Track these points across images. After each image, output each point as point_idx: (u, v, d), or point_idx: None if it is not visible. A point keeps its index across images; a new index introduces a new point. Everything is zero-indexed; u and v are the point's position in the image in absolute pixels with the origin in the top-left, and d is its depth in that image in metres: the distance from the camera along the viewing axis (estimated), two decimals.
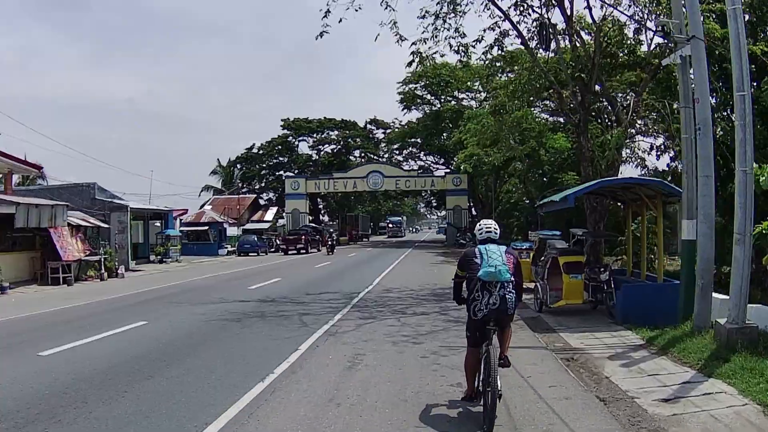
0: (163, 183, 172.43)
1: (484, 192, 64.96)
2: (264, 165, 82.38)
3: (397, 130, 71.98)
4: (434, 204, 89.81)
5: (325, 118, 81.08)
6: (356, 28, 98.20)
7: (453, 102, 61.76)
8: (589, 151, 20.40)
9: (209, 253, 53.33)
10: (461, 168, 46.14)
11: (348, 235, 76.92)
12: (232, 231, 61.32)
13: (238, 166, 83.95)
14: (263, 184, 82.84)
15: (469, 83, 59.31)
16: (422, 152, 73.94)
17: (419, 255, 44.77)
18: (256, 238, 53.12)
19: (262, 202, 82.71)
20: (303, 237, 50.29)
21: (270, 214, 77.12)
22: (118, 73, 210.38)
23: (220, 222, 56.69)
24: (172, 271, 32.78)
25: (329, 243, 49.97)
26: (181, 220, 56.26)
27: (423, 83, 63.44)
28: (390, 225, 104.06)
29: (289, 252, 50.02)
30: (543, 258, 16.29)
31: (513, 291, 6.55)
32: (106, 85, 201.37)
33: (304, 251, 50.10)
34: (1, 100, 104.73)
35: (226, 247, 55.16)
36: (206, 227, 56.17)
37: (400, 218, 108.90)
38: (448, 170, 66.83)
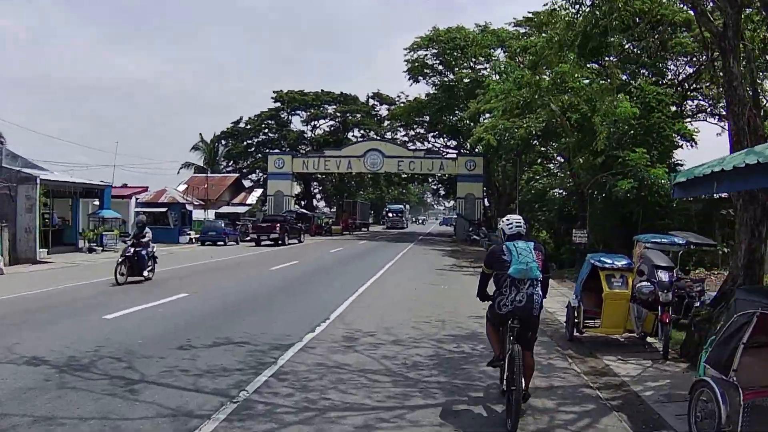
0: (139, 158, 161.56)
1: (502, 180, 55.41)
2: (252, 142, 73.01)
3: (402, 105, 61.90)
4: (442, 192, 79.50)
5: (322, 91, 72.19)
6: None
7: (468, 71, 51.67)
8: (739, 83, 10.64)
9: (168, 239, 44.26)
10: (478, 147, 36.48)
11: (343, 223, 67.37)
12: (205, 214, 51.83)
13: (223, 142, 74.79)
14: (249, 163, 73.40)
15: (489, 50, 49.45)
16: (431, 133, 64.25)
17: (421, 254, 35.30)
18: (223, 224, 43.93)
19: (248, 183, 73.81)
20: (278, 225, 40.70)
21: (254, 197, 68.32)
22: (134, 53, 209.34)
23: (182, 203, 47.03)
24: (75, 268, 23.53)
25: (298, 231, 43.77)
26: (137, 199, 47.41)
27: (434, 51, 53.62)
28: (389, 214, 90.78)
29: (262, 242, 40.62)
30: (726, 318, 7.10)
31: (540, 291, 6.43)
32: (123, 65, 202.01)
33: (281, 242, 40.60)
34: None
35: (189, 234, 45.75)
36: (165, 209, 46.67)
37: (402, 207, 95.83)
38: (460, 152, 57.22)
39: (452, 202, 75.49)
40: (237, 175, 69.30)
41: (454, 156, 55.48)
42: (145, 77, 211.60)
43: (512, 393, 6.00)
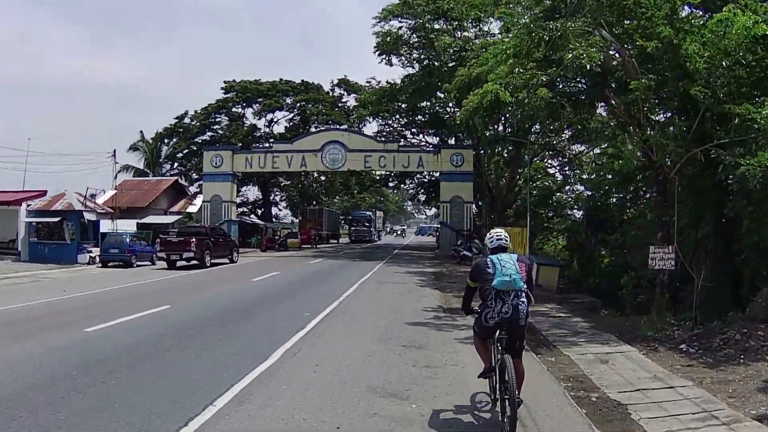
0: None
1: (495, 180, 44.56)
2: (198, 140, 61.57)
3: (370, 89, 50.58)
4: (421, 197, 66.14)
5: (281, 80, 60.84)
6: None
7: (453, 39, 40.49)
8: None
9: (64, 258, 34.33)
10: (472, 120, 25.56)
11: (303, 235, 55.99)
12: (113, 226, 40.30)
13: (167, 141, 63.41)
14: (193, 164, 61.75)
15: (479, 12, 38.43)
16: (408, 129, 53.26)
17: (389, 282, 24.07)
18: (128, 239, 32.60)
19: (193, 189, 62.33)
20: (194, 240, 29.33)
21: (198, 204, 56.84)
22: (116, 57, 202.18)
23: (79, 211, 35.63)
24: None
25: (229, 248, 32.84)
26: (29, 206, 36.49)
27: (409, 21, 42.56)
28: (353, 224, 72.70)
29: (177, 263, 29.61)
30: None
31: (525, 300, 6.59)
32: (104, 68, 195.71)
33: (198, 262, 29.47)
34: None
35: (90, 252, 34.45)
36: (58, 219, 35.41)
37: (369, 214, 76.12)
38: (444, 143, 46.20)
39: (434, 210, 64.00)
40: (174, 178, 57.70)
41: (436, 148, 44.22)
42: (127, 79, 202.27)
43: (506, 401, 6.29)
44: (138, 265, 31.59)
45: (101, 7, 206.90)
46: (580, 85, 18.46)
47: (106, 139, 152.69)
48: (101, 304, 16.29)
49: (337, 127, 49.51)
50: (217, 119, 61.47)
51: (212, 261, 30.95)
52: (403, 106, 48.46)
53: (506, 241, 6.94)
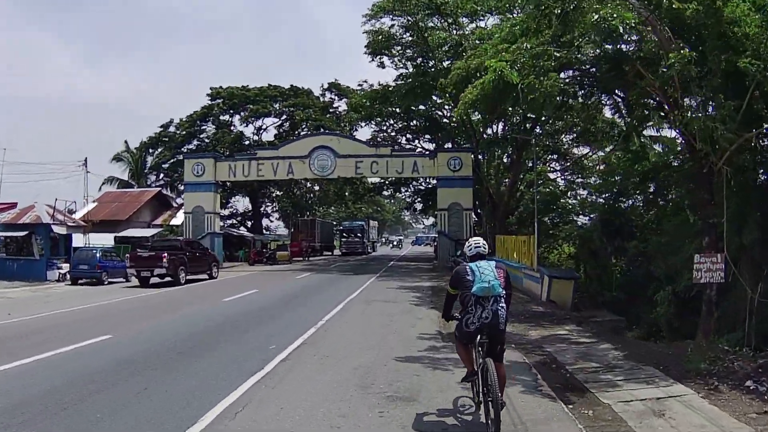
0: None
1: (496, 186, 41.93)
2: (184, 149, 58.79)
3: (362, 93, 47.93)
4: (418, 206, 62.42)
5: (269, 85, 58.46)
6: None
7: (448, 34, 37.83)
8: None
9: (32, 274, 31.84)
10: (470, 120, 22.98)
11: (294, 247, 53.25)
12: (85, 240, 37.50)
13: (152, 151, 60.87)
14: (179, 175, 58.96)
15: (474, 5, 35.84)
16: (402, 135, 50.58)
17: (381, 301, 21.34)
18: (98, 255, 29.90)
19: (179, 200, 59.48)
20: (166, 255, 26.65)
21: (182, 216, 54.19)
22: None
23: (46, 224, 32.95)
24: None
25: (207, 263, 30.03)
26: None
27: (401, 18, 39.88)
28: (345, 235, 68.07)
29: (151, 280, 27.13)
30: None
31: (504, 305, 6.80)
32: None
33: (172, 279, 26.83)
34: None
35: (60, 268, 31.83)
36: (26, 233, 32.77)
37: (362, 224, 70.12)
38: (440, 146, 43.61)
39: (432, 219, 61.16)
40: (157, 189, 54.98)
41: (431, 152, 41.57)
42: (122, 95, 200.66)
43: (490, 403, 6.48)
44: (110, 282, 29.11)
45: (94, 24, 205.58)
46: (593, 70, 15.91)
47: (95, 151, 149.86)
48: (36, 333, 13.60)
49: (326, 131, 46.69)
50: (204, 127, 59.06)
51: (188, 277, 28.29)
52: (397, 110, 45.85)
53: (484, 248, 7.13)
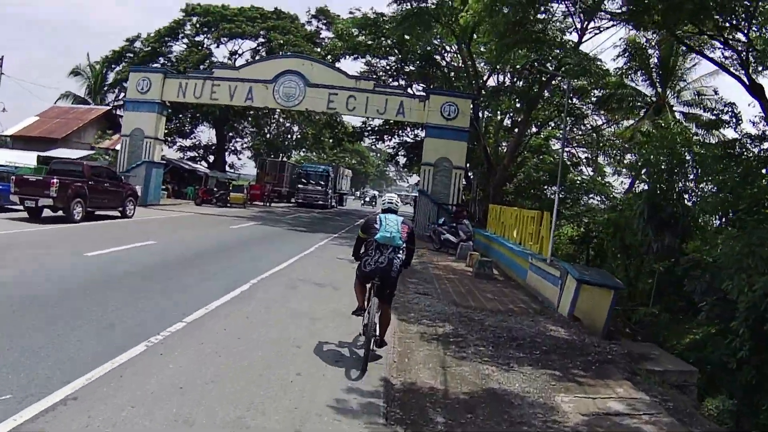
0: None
1: (493, 146, 35.37)
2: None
3: (351, 18, 40.46)
4: (401, 159, 53.46)
5: (252, 6, 50.91)
6: None
7: None
8: None
9: None
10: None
11: (254, 190, 46.40)
12: (20, 158, 30.57)
13: (114, 66, 53.31)
14: None
15: None
16: (390, 74, 43.34)
17: (320, 280, 14.72)
18: None
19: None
20: (55, 181, 19.79)
21: None
22: None
23: None
24: None
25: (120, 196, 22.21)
26: None
27: None
28: (302, 181, 52.57)
29: (42, 212, 20.49)
30: None
31: (401, 256, 7.74)
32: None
33: (65, 214, 20.18)
34: None
35: None
36: None
37: (326, 168, 55.27)
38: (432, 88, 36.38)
39: (416, 177, 54.19)
40: (107, 107, 47.72)
41: (422, 94, 34.41)
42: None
43: (366, 332, 7.49)
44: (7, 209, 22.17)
45: None
46: None
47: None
48: None
49: (297, 53, 39.22)
50: (172, 45, 51.60)
51: (89, 212, 21.53)
52: (389, 43, 38.57)
53: (396, 205, 8.20)
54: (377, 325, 7.64)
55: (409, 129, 48.01)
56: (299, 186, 51.96)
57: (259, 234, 23.24)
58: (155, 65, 45.16)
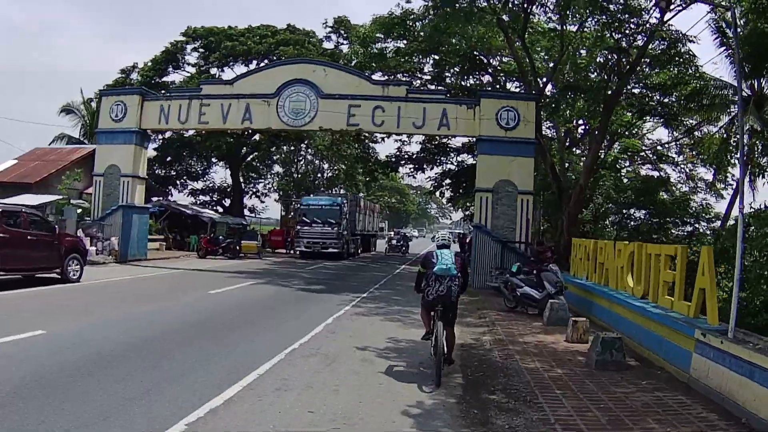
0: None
1: (560, 162, 28.40)
2: None
3: (374, 19, 33.56)
4: (447, 192, 45.50)
5: (262, 25, 45.22)
6: None
7: None
8: None
9: None
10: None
11: (278, 236, 40.15)
12: None
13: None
14: None
15: None
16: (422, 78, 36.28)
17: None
18: None
19: None
20: None
21: None
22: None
23: None
24: None
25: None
26: None
27: None
28: (303, 221, 38.56)
29: None
30: None
31: (457, 284, 9.16)
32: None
33: None
34: None
35: None
36: None
37: (336, 202, 39.77)
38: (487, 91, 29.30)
39: (460, 213, 46.60)
40: (93, 147, 41.85)
41: (473, 99, 26.56)
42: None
43: (437, 356, 8.63)
44: None
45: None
46: None
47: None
48: None
49: (305, 58, 32.56)
50: (171, 73, 46.15)
51: (9, 276, 15.05)
52: (422, 43, 31.60)
53: (449, 241, 9.80)
54: (445, 346, 8.89)
55: (453, 154, 41.08)
56: (299, 228, 38.79)
57: (248, 302, 16.23)
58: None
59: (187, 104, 26.67)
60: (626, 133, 29.71)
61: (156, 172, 46.65)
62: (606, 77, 24.06)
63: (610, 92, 23.49)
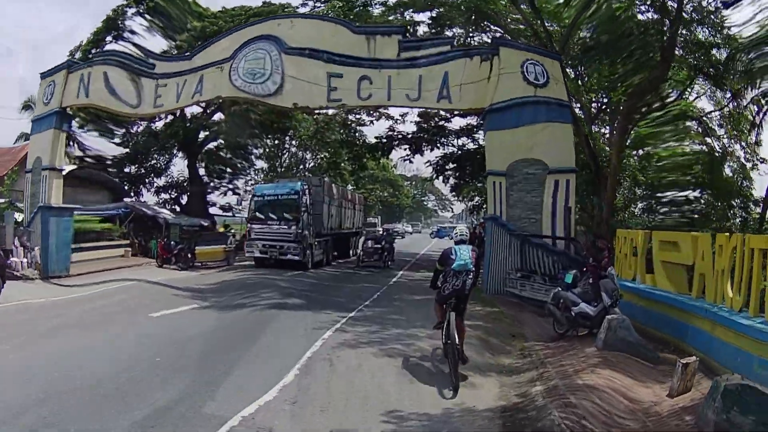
0: None
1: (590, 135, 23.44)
2: None
3: None
4: (450, 176, 39.64)
5: (237, 6, 39.85)
6: None
7: None
8: None
9: None
10: None
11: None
12: None
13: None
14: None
15: None
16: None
17: None
18: None
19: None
20: None
21: None
22: None
23: None
24: None
25: None
26: None
27: None
28: (256, 216, 28.83)
29: None
30: None
31: (471, 278, 9.47)
32: None
33: None
34: None
35: None
36: None
37: (294, 189, 28.61)
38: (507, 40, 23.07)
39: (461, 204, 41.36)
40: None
41: (490, 48, 20.27)
42: None
43: (448, 345, 9.15)
44: None
45: None
46: None
47: None
48: None
49: (273, 15, 27.18)
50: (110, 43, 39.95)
51: None
52: None
53: (467, 235, 10.74)
54: (456, 336, 9.00)
55: (452, 137, 35.86)
56: (250, 227, 29.33)
57: (168, 344, 10.96)
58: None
59: (135, 82, 21.39)
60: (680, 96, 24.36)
61: (126, 170, 41.05)
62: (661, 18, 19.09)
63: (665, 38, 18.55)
